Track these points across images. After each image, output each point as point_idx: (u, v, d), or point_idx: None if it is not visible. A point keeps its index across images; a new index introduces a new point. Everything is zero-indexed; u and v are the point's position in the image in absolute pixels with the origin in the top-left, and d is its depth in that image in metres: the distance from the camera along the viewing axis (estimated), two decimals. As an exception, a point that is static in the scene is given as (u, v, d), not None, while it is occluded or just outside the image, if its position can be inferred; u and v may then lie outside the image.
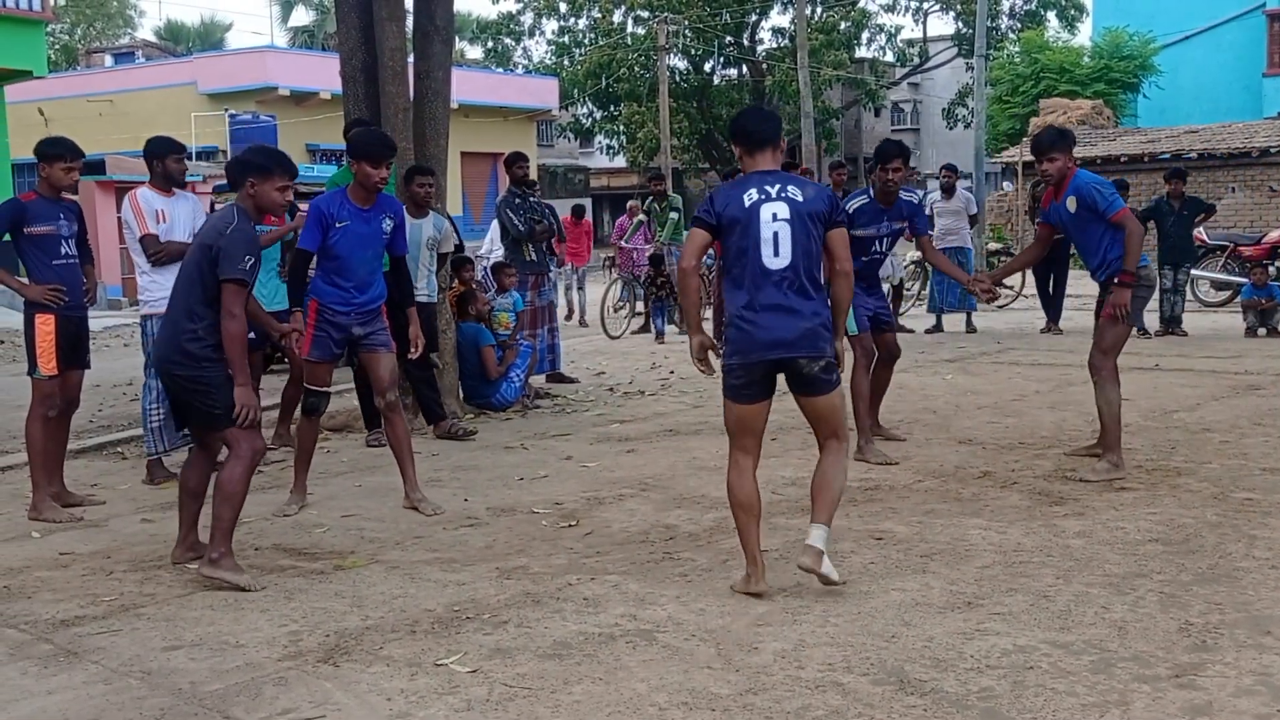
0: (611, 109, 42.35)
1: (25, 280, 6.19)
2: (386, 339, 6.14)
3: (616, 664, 3.78)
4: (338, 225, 5.84)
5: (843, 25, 40.92)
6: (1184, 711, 3.30)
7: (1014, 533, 5.11)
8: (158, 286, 6.73)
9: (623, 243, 15.44)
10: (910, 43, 45.02)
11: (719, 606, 4.28)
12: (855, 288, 6.25)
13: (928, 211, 13.28)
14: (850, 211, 6.71)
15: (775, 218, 4.33)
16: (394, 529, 5.60)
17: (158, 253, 6.65)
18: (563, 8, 42.73)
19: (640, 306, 14.85)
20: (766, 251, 4.33)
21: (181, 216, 6.80)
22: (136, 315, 7.07)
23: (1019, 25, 40.16)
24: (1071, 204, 6.17)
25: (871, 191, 6.90)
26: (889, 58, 44.95)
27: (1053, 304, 12.79)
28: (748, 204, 4.37)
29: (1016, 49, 32.78)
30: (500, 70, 41.07)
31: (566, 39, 43.31)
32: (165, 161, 6.75)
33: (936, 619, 4.08)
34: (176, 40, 47.31)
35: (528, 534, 5.43)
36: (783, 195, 4.37)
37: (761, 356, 4.35)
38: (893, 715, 3.34)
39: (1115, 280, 6.10)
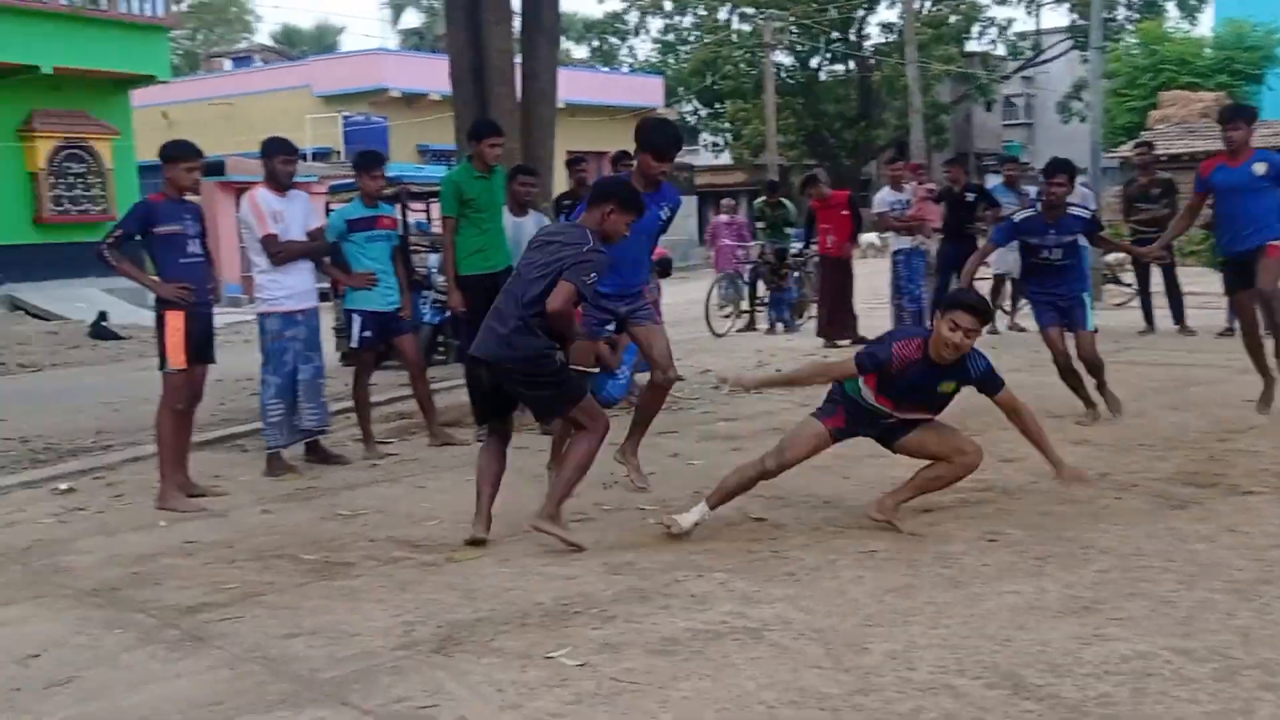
0: (716, 106, 42.31)
1: (155, 278, 6.43)
2: (651, 313, 6.28)
3: (724, 661, 3.77)
4: None
5: (952, 19, 40.30)
6: (1315, 724, 3.19)
7: (1134, 536, 4.97)
8: (276, 285, 6.92)
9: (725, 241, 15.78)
10: (1023, 35, 44.08)
11: (826, 606, 4.25)
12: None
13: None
14: (1016, 222, 7.73)
15: None
16: (505, 522, 5.67)
17: (279, 252, 6.84)
18: (667, 5, 42.83)
19: (744, 305, 14.83)
20: None
21: (296, 216, 6.98)
22: (254, 313, 7.26)
23: (1137, 16, 39.06)
24: (1260, 168, 7.16)
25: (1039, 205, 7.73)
26: (1000, 51, 44.09)
27: (1174, 303, 12.38)
28: None
29: (1134, 40, 31.85)
30: (605, 69, 41.30)
31: (671, 37, 43.40)
32: (273, 162, 6.94)
33: (1052, 623, 4.00)
34: (292, 44, 48.57)
35: (636, 530, 5.46)
36: None
37: None
38: (1007, 720, 3.28)
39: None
